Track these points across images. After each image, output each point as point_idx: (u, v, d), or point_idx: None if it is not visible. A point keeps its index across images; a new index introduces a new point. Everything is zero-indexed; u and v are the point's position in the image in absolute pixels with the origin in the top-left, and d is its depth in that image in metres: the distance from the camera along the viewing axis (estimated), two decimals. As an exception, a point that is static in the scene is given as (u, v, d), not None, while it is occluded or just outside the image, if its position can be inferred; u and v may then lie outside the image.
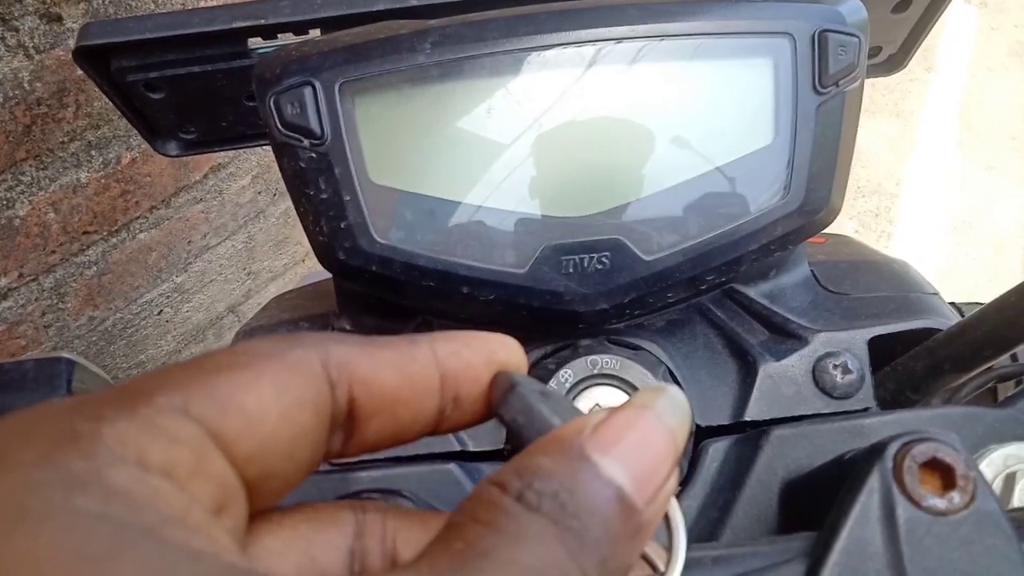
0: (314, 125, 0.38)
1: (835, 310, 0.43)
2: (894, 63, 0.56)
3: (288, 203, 1.39)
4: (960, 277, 2.51)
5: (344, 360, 0.21)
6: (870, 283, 0.45)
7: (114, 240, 1.03)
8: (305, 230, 0.40)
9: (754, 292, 0.44)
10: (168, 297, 1.18)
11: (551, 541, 0.17)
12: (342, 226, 0.38)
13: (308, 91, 0.38)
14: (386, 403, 0.21)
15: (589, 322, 0.40)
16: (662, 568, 0.21)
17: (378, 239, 0.38)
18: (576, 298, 0.38)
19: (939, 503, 0.25)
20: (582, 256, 0.38)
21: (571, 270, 0.38)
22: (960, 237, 2.73)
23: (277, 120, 0.38)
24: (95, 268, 1.02)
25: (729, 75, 0.39)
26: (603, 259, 0.38)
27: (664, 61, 0.39)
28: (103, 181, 0.97)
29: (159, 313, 1.18)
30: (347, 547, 0.22)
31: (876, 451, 0.26)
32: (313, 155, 0.38)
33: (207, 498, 0.18)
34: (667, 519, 0.21)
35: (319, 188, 0.38)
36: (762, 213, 0.38)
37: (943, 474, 0.25)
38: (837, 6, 0.39)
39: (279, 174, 1.07)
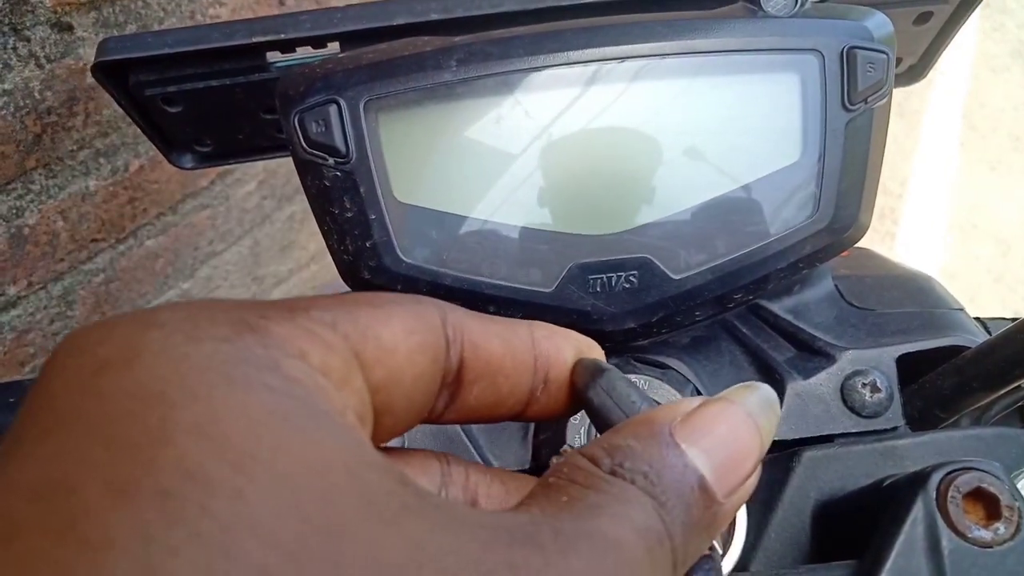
0: (339, 143, 0.37)
1: (861, 326, 0.43)
2: (914, 74, 0.56)
3: (294, 207, 1.39)
4: (964, 277, 2.51)
5: (459, 322, 0.22)
6: (895, 298, 0.45)
7: (122, 247, 1.03)
8: (329, 248, 0.39)
9: (778, 308, 0.44)
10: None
11: (649, 508, 0.18)
12: (367, 245, 0.38)
13: (333, 109, 0.37)
14: (490, 369, 0.23)
15: (616, 340, 0.39)
16: (721, 553, 0.21)
17: (403, 258, 0.38)
18: (604, 317, 0.38)
19: (984, 534, 0.24)
20: (609, 275, 0.38)
21: (598, 289, 0.38)
22: (964, 237, 2.73)
23: (301, 138, 0.38)
24: (103, 275, 1.02)
25: (756, 92, 0.39)
26: (631, 278, 0.38)
27: (692, 78, 0.38)
28: (111, 189, 0.96)
29: (166, 319, 1.18)
30: (435, 491, 0.24)
31: (919, 480, 0.25)
32: (338, 173, 0.38)
33: (354, 407, 0.19)
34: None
35: (344, 206, 0.38)
36: (791, 231, 0.38)
37: (987, 504, 0.25)
38: (863, 21, 0.39)
39: (285, 179, 1.06)
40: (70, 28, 0.80)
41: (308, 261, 1.47)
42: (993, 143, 3.11)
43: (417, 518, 0.16)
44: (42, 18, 0.77)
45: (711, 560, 0.21)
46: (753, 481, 0.21)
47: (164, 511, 0.13)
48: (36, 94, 0.79)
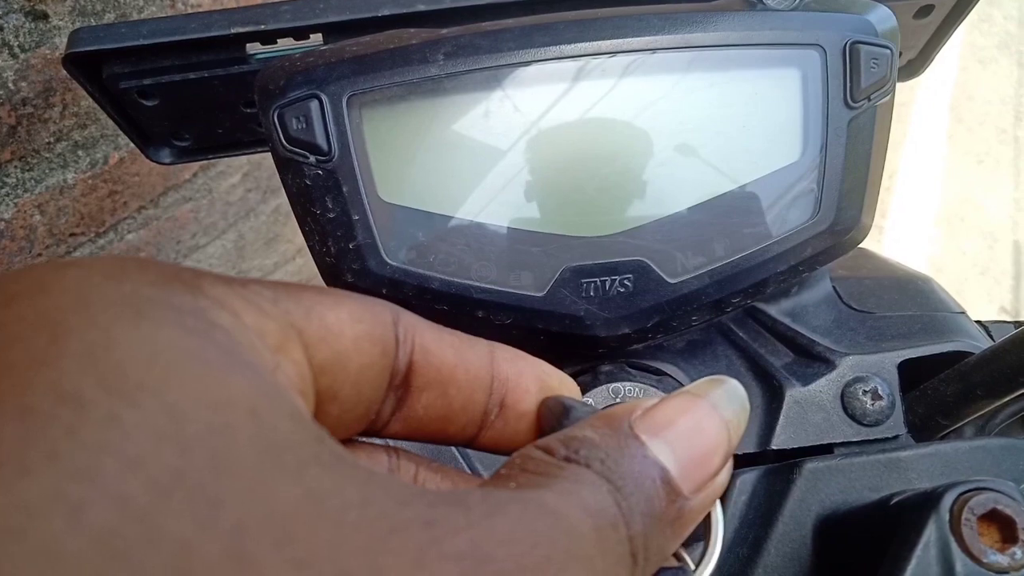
0: (320, 141, 0.36)
1: (860, 330, 0.42)
2: (914, 68, 0.55)
3: (279, 200, 1.36)
4: (951, 270, 2.51)
5: (411, 324, 0.22)
6: (895, 301, 0.43)
7: (102, 241, 1.01)
8: (311, 250, 0.38)
9: (776, 311, 0.42)
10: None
11: (603, 490, 0.17)
12: (350, 247, 0.36)
13: (314, 104, 0.36)
14: (441, 378, 0.22)
15: (609, 347, 0.38)
16: (692, 567, 0.20)
17: (388, 260, 0.36)
18: (597, 323, 0.36)
19: (1001, 559, 0.23)
20: (603, 279, 0.36)
21: (592, 293, 0.36)
22: (951, 230, 2.74)
23: (281, 135, 0.36)
24: (83, 270, 0.99)
25: (755, 88, 0.37)
26: (625, 282, 0.36)
27: (688, 73, 0.37)
28: (90, 182, 0.94)
29: (148, 314, 1.16)
30: None
31: (930, 500, 0.24)
32: (319, 172, 0.36)
33: (289, 375, 0.18)
34: (707, 519, 0.20)
35: (326, 206, 0.36)
36: (791, 233, 0.36)
37: (1003, 527, 0.24)
38: (866, 15, 0.38)
39: (270, 171, 1.04)
40: (45, 16, 0.78)
41: (294, 254, 1.45)
42: (980, 136, 3.12)
43: (324, 471, 0.15)
44: (15, 6, 0.74)
45: (682, 572, 0.20)
46: (723, 478, 0.20)
47: (23, 429, 0.12)
48: (10, 84, 0.77)
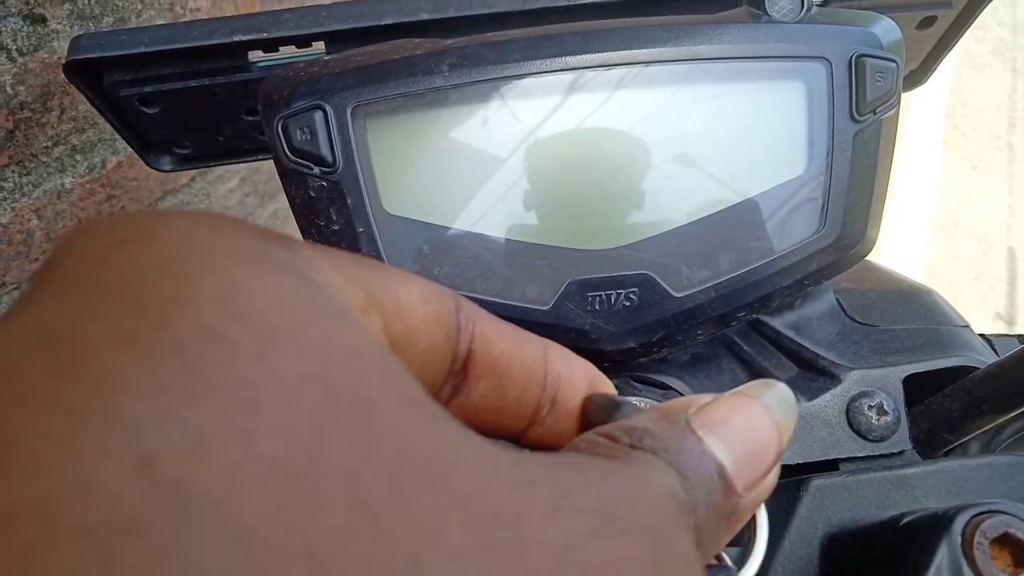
0: (325, 152, 0.35)
1: (863, 343, 0.42)
2: (915, 79, 0.55)
3: (276, 204, 1.36)
4: (946, 276, 2.52)
5: (472, 312, 0.22)
6: (898, 314, 0.43)
7: (99, 246, 1.00)
8: (314, 261, 0.37)
9: (779, 323, 0.42)
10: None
11: (674, 477, 0.17)
12: (354, 259, 0.36)
13: (319, 115, 0.35)
14: (499, 368, 0.22)
15: (614, 360, 0.38)
16: (733, 567, 0.20)
17: (393, 273, 0.36)
18: (603, 336, 0.36)
19: (1013, 583, 0.23)
20: (609, 292, 0.36)
21: (597, 307, 0.36)
22: (946, 235, 2.75)
23: (285, 146, 0.36)
24: (79, 274, 0.99)
25: (760, 100, 0.37)
26: (631, 295, 0.36)
27: (693, 85, 0.37)
28: (88, 186, 0.94)
29: (145, 318, 1.15)
30: None
31: (942, 522, 0.24)
32: (324, 183, 0.36)
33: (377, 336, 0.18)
34: (752, 520, 0.21)
35: (330, 218, 0.36)
36: (796, 247, 0.36)
37: (1015, 551, 0.24)
38: (871, 27, 0.37)
39: (267, 176, 1.03)
40: (43, 20, 0.77)
41: (290, 258, 1.45)
42: (975, 142, 3.13)
43: (450, 424, 0.15)
44: (13, 9, 0.74)
45: (724, 571, 0.20)
46: (773, 479, 0.20)
47: (181, 362, 0.12)
48: (8, 88, 0.76)
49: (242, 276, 0.14)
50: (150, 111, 0.48)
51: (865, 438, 0.37)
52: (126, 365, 0.12)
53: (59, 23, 0.79)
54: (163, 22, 0.92)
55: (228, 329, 0.13)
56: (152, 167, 0.53)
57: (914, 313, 0.43)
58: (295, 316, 0.14)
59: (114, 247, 0.15)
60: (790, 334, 0.42)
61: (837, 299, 0.44)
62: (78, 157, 0.90)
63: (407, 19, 0.43)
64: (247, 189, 1.25)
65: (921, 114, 3.12)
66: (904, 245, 2.64)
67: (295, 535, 0.11)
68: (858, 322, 0.43)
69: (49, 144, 0.85)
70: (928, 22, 0.49)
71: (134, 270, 0.14)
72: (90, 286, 0.14)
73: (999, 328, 2.39)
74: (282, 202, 1.35)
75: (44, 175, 0.87)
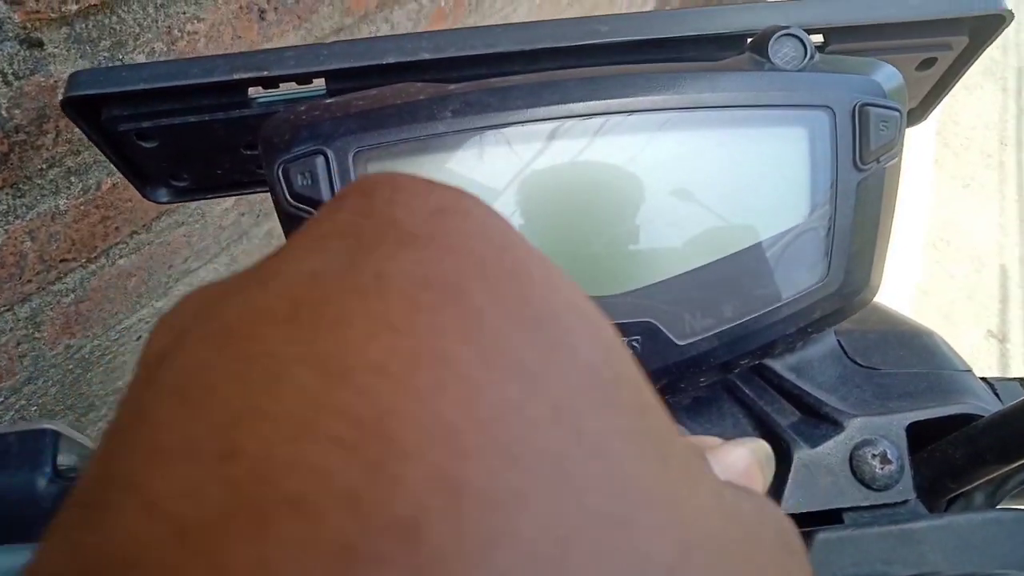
0: (326, 197, 0.35)
1: (865, 387, 0.41)
2: (914, 118, 0.55)
3: (272, 223, 1.35)
4: (938, 294, 2.53)
5: None
6: (900, 357, 0.43)
7: (93, 267, 1.00)
8: (314, 306, 0.37)
9: (780, 366, 0.42)
10: (147, 323, 1.15)
11: None
12: (355, 304, 0.36)
13: (320, 160, 0.35)
14: None
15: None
16: None
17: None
18: (604, 384, 0.36)
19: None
20: (611, 340, 0.36)
21: (599, 354, 0.36)
22: (938, 254, 2.76)
23: (286, 191, 0.35)
24: (72, 296, 0.98)
25: (763, 148, 0.37)
26: (634, 343, 0.36)
27: (697, 132, 0.37)
28: (82, 208, 0.93)
29: (138, 339, 1.15)
30: None
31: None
32: (324, 228, 0.35)
33: None
34: None
35: (330, 264, 0.35)
36: (800, 295, 0.36)
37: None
38: (873, 75, 0.37)
39: (263, 195, 1.04)
40: (40, 44, 0.77)
41: (285, 277, 1.44)
42: (966, 160, 3.15)
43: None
44: (10, 33, 0.73)
45: None
46: None
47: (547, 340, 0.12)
48: (3, 112, 0.76)
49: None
50: (148, 145, 0.47)
51: (869, 487, 0.37)
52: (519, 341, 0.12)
53: (56, 47, 0.79)
54: (161, 45, 0.92)
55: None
56: (149, 199, 0.52)
57: (916, 356, 0.43)
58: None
59: (435, 213, 0.14)
60: (791, 377, 0.42)
61: (838, 340, 0.44)
62: (73, 179, 0.89)
63: (408, 59, 0.42)
64: (243, 208, 1.24)
65: (913, 133, 3.14)
66: (897, 264, 2.64)
67: None
68: (860, 365, 0.43)
69: (44, 166, 0.85)
70: (928, 63, 0.49)
71: (479, 245, 0.13)
72: (462, 253, 0.13)
73: (991, 346, 2.40)
74: (277, 221, 1.34)
75: (38, 197, 0.86)
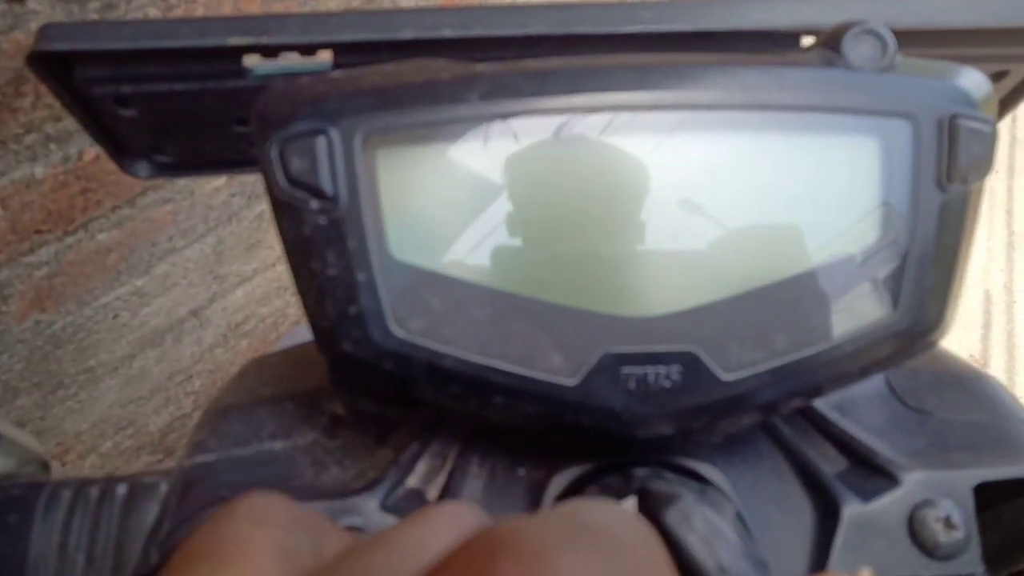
0: (326, 184, 0.30)
1: (918, 433, 0.37)
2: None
3: (263, 206, 1.30)
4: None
5: None
6: (957, 401, 0.39)
7: (69, 240, 0.94)
8: (305, 308, 0.32)
9: (822, 402, 0.37)
10: (126, 301, 1.09)
11: None
12: (352, 311, 0.31)
13: (322, 141, 0.30)
14: None
15: (644, 447, 0.33)
16: None
17: (395, 331, 0.31)
18: (635, 420, 0.31)
19: None
20: (647, 369, 0.31)
21: (632, 386, 0.31)
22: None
23: (280, 173, 0.30)
24: (45, 269, 0.93)
25: (830, 158, 0.32)
26: (672, 375, 0.31)
27: (755, 135, 0.32)
28: (61, 177, 0.88)
29: (115, 317, 1.09)
30: None
31: None
32: (322, 220, 0.30)
33: None
34: None
35: (326, 262, 0.31)
36: (864, 330, 0.31)
37: None
38: (959, 81, 0.33)
39: (256, 175, 0.98)
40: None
41: (275, 261, 1.39)
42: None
43: None
44: (-11, -14, 0.68)
45: None
46: None
47: None
48: (-22, 70, 0.71)
49: None
50: (127, 113, 0.42)
51: (931, 555, 0.33)
52: None
53: (39, 3, 0.73)
54: (155, 11, 0.86)
55: None
56: (127, 172, 0.47)
57: (973, 401, 0.39)
58: None
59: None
60: (834, 416, 0.37)
61: (886, 378, 0.40)
62: (52, 146, 0.84)
63: (428, 35, 0.37)
64: (234, 188, 1.19)
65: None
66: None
67: None
68: (911, 407, 0.38)
69: (20, 131, 0.79)
70: (998, 76, 0.44)
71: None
72: None
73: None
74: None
75: (13, 163, 0.81)
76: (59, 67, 0.39)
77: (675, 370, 0.31)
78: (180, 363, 1.25)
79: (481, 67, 0.31)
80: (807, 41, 0.41)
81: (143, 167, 0.48)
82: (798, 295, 0.32)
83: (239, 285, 1.34)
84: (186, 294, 1.21)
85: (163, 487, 0.36)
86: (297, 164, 0.30)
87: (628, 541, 0.15)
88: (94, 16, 0.80)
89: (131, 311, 1.11)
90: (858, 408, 0.38)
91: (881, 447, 0.35)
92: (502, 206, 0.31)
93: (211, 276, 1.25)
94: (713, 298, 0.31)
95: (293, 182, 0.30)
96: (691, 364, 0.31)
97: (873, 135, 0.32)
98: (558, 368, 0.31)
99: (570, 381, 0.31)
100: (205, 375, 1.32)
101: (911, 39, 0.39)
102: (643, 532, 0.16)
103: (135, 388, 1.17)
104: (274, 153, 0.30)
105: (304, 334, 0.38)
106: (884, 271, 0.32)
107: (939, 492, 0.33)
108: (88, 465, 1.15)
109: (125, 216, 1.00)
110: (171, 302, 1.18)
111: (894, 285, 0.32)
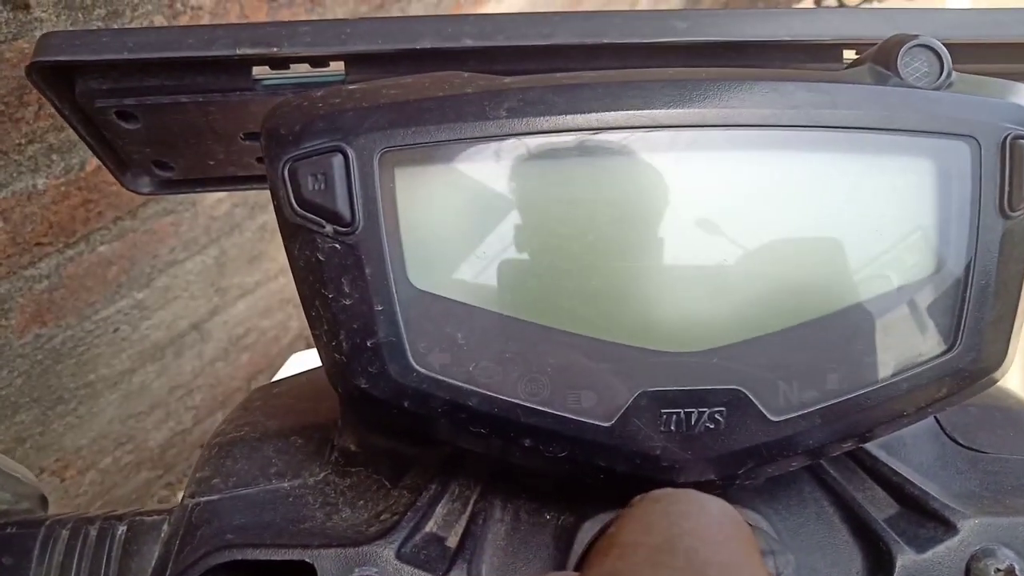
0: (342, 206, 0.28)
1: (971, 474, 0.35)
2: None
3: (266, 217, 1.28)
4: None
5: None
6: (1009, 439, 0.36)
7: (70, 252, 0.92)
8: (316, 341, 0.30)
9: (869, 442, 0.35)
10: (126, 314, 1.07)
11: None
12: (369, 344, 0.28)
13: (337, 160, 0.28)
14: None
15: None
16: None
17: (416, 366, 0.28)
18: (675, 464, 0.29)
19: None
20: (689, 410, 0.28)
21: (672, 428, 0.29)
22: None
23: (292, 195, 0.28)
24: (46, 282, 0.91)
25: (884, 182, 0.30)
26: (717, 416, 0.28)
27: (803, 156, 0.30)
28: (63, 188, 0.86)
29: (115, 331, 1.07)
30: None
31: None
32: (337, 245, 0.28)
33: None
34: None
35: (341, 291, 0.28)
36: (921, 368, 0.29)
37: None
38: (1017, 99, 0.31)
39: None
40: (26, 7, 0.70)
41: (277, 273, 1.37)
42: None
43: None
44: (-9, -8, 0.66)
45: None
46: None
47: None
48: (-22, 79, 0.69)
49: None
50: (129, 126, 0.40)
51: (992, 612, 0.30)
52: None
53: (44, 11, 0.71)
54: (161, 19, 0.84)
55: None
56: (128, 188, 0.45)
57: None
58: None
59: None
60: (882, 456, 0.35)
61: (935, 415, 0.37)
62: (54, 157, 0.82)
63: (448, 45, 0.35)
64: (236, 200, 1.17)
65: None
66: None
67: None
68: (962, 445, 0.36)
69: (23, 142, 0.77)
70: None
71: None
72: None
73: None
74: (273, 214, 1.27)
75: (14, 174, 0.79)
76: (60, 78, 0.37)
77: (720, 411, 0.28)
78: (180, 377, 1.23)
79: (509, 81, 0.29)
80: (849, 55, 0.38)
81: (145, 183, 0.45)
82: (851, 330, 0.29)
83: (241, 298, 1.31)
84: (187, 307, 1.19)
85: (165, 528, 0.34)
86: (311, 185, 0.28)
87: None
88: (99, 24, 0.78)
89: (131, 325, 1.09)
90: (906, 446, 0.35)
91: (933, 490, 0.33)
92: (534, 233, 0.29)
93: (213, 289, 1.23)
94: (761, 332, 0.29)
95: (305, 204, 0.28)
96: (738, 404, 0.28)
97: (930, 157, 0.30)
98: (591, 408, 0.28)
99: (604, 422, 0.28)
100: (206, 389, 1.30)
101: (963, 53, 0.36)
102: None
103: (135, 403, 1.15)
104: (285, 173, 0.28)
105: (310, 357, 0.35)
106: (942, 304, 0.29)
107: (998, 539, 0.31)
108: (88, 481, 1.12)
109: (126, 228, 0.98)
110: (172, 315, 1.16)
111: (953, 319, 0.29)
